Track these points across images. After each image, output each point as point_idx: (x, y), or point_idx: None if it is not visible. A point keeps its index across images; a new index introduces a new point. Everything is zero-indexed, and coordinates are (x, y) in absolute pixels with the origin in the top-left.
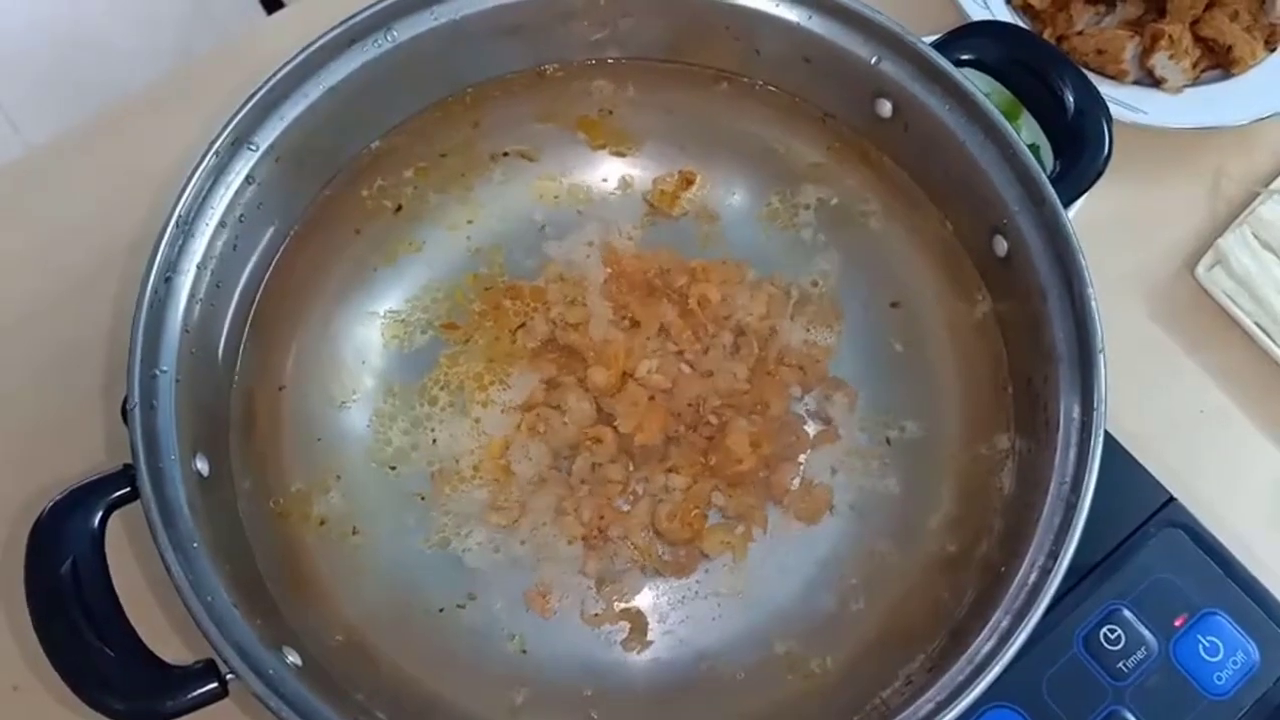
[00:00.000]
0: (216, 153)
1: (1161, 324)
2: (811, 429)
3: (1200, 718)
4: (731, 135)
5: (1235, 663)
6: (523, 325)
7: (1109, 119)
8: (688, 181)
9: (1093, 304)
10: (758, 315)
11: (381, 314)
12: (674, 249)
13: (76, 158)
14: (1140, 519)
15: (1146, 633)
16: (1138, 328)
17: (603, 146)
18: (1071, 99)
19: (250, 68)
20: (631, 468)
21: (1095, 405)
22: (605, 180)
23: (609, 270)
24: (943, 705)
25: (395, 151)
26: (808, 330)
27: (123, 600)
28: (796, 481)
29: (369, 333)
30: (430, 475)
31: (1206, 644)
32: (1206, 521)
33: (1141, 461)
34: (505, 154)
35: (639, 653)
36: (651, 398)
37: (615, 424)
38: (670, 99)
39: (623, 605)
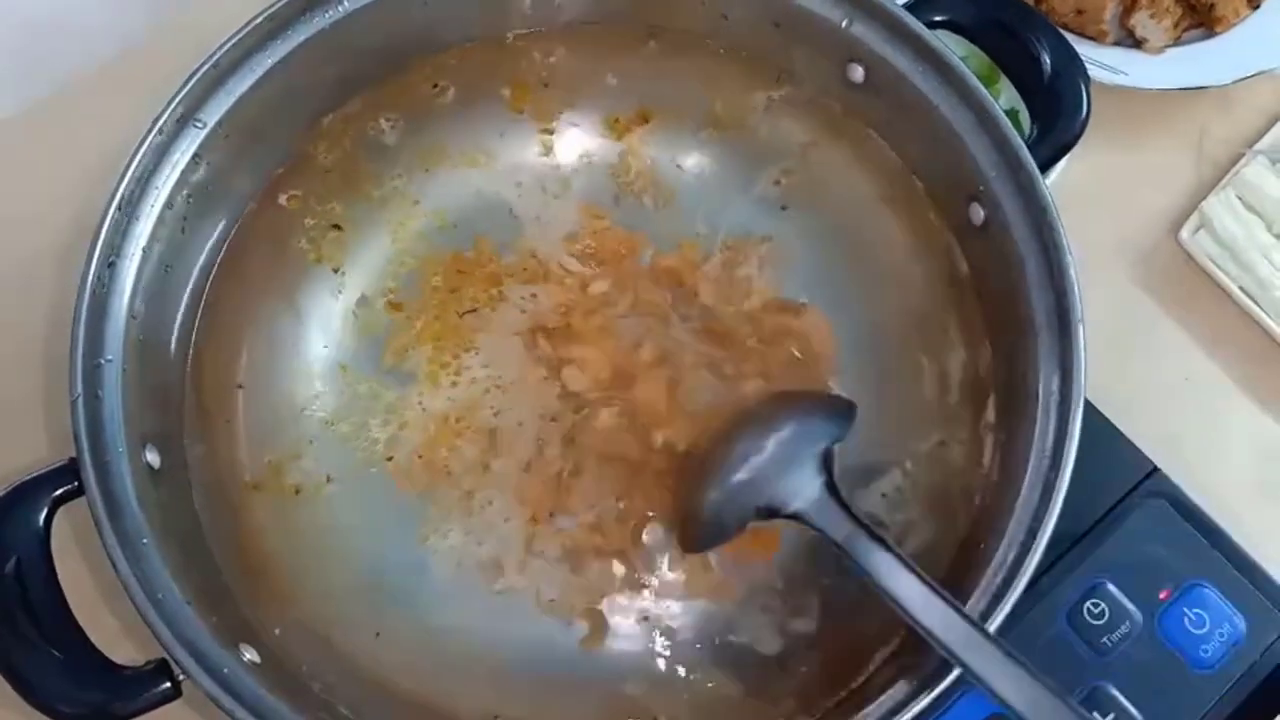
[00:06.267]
0: (161, 130)
1: (1144, 289)
2: None
3: (1186, 691)
4: (693, 99)
5: (1221, 635)
6: (473, 310)
7: (1086, 80)
8: (644, 119)
9: (1072, 273)
10: (723, 298)
11: (342, 296)
12: (637, 230)
13: (21, 142)
14: (1123, 491)
15: (1131, 606)
16: (1120, 294)
17: (546, 121)
18: (1048, 60)
19: (209, 41)
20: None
21: (1075, 378)
22: (561, 155)
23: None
24: (918, 689)
25: (351, 120)
26: (779, 307)
27: (71, 600)
28: None
29: (328, 318)
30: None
31: (1192, 616)
32: (1192, 492)
33: (1124, 431)
34: (435, 86)
35: (601, 647)
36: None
37: (581, 412)
38: (623, 65)
39: (586, 604)
